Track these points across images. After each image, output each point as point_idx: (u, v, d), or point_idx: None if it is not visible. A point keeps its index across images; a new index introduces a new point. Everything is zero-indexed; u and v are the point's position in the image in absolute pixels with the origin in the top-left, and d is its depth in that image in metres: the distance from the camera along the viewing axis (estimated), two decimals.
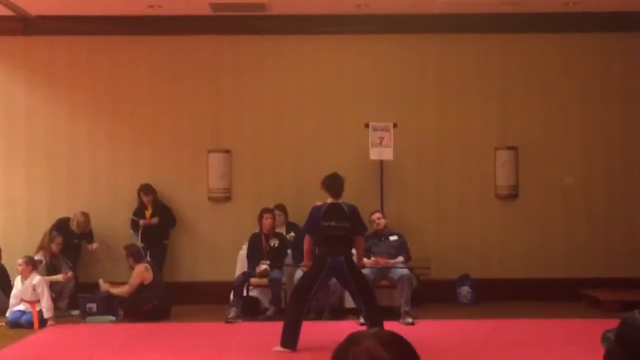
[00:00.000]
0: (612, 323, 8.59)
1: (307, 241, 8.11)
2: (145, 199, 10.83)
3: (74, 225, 10.62)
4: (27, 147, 11.23)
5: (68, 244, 10.55)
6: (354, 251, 8.17)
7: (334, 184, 7.95)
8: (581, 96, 11.25)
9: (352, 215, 7.89)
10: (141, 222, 10.73)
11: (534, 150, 11.20)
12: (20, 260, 9.60)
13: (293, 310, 7.74)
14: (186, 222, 11.19)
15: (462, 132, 11.22)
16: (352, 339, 1.65)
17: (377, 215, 10.22)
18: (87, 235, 10.81)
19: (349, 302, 9.21)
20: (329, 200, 7.94)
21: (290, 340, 7.53)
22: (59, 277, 10.09)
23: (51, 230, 10.49)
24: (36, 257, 9.99)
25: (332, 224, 7.75)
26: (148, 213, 10.82)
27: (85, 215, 10.70)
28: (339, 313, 9.67)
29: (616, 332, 1.57)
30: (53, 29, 11.09)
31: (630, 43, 11.24)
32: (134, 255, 9.99)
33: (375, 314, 7.82)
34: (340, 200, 7.94)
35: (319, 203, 8.28)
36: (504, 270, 11.03)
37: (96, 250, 10.72)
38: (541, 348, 7.84)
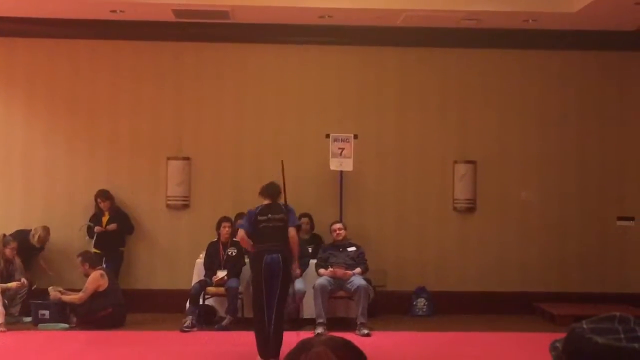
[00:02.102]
0: (552, 340, 8.76)
1: (241, 234, 8.12)
2: (102, 204, 10.71)
3: (34, 240, 10.43)
4: None
5: (25, 251, 10.38)
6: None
7: (269, 188, 8.20)
8: (538, 112, 11.41)
9: (288, 210, 8.07)
10: (96, 228, 10.60)
11: (491, 165, 11.32)
12: None
13: (254, 319, 7.90)
14: (144, 229, 11.09)
15: (421, 144, 11.30)
16: (304, 345, 1.65)
17: (339, 225, 10.23)
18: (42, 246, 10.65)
19: (307, 312, 9.21)
20: (264, 202, 8.13)
21: (260, 350, 7.71)
22: (12, 285, 9.92)
23: (5, 235, 10.29)
24: None
25: (269, 216, 7.90)
26: (105, 219, 10.70)
27: (47, 230, 10.53)
28: (294, 323, 9.63)
29: (564, 342, 1.59)
30: (12, 30, 10.93)
31: (588, 61, 11.43)
32: (90, 261, 9.86)
33: (280, 324, 7.77)
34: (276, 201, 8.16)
35: None
36: (460, 283, 11.12)
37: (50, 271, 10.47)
38: None
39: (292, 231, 8.01)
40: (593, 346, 1.50)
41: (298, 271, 8.70)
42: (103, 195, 10.71)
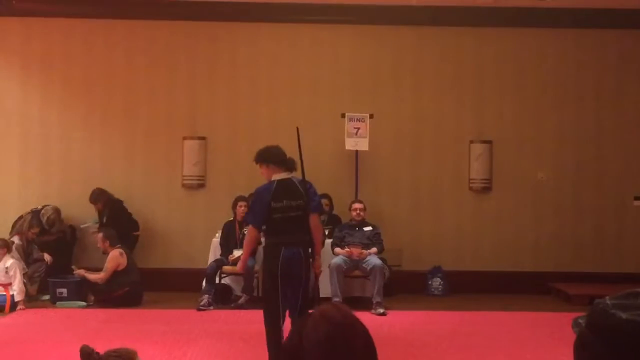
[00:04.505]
0: (575, 317, 8.73)
1: (250, 237, 6.40)
2: (96, 207, 10.60)
3: (43, 219, 10.52)
4: (0, 132, 11.12)
5: (41, 232, 10.51)
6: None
7: (276, 155, 6.31)
8: (555, 91, 11.35)
9: (307, 190, 6.19)
10: (95, 236, 10.37)
11: (507, 145, 11.29)
12: None
13: (267, 333, 6.14)
14: (160, 208, 11.15)
15: (437, 124, 11.28)
16: (319, 308, 1.81)
17: (359, 205, 10.18)
18: (55, 228, 10.71)
19: (323, 291, 9.21)
20: (276, 176, 6.26)
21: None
22: (47, 257, 9.97)
23: (31, 218, 10.38)
24: (14, 240, 9.97)
25: (285, 202, 6.11)
26: (105, 218, 10.58)
27: (57, 211, 10.58)
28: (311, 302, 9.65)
29: (587, 319, 1.60)
30: (28, 10, 10.96)
31: (605, 40, 11.34)
32: (110, 239, 9.91)
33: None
34: (291, 175, 6.33)
35: None
36: (475, 262, 11.13)
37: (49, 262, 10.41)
38: (510, 340, 7.92)
39: (314, 219, 6.21)
40: (617, 322, 1.51)
41: (320, 270, 6.47)
42: (92, 198, 10.57)
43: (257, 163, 6.38)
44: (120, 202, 10.75)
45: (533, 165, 11.32)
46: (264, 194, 6.13)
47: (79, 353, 2.95)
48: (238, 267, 6.66)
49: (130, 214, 10.79)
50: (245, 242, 6.37)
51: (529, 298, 10.43)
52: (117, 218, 10.61)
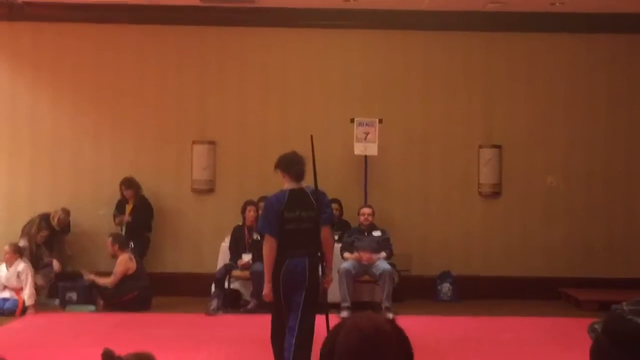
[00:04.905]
0: (590, 322, 8.68)
1: (269, 247, 5.99)
2: (125, 192, 10.72)
3: (54, 221, 10.56)
4: (10, 136, 11.15)
5: (50, 235, 10.54)
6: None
7: (294, 162, 6.10)
8: (565, 96, 11.32)
9: (318, 201, 6.02)
10: (116, 220, 10.62)
11: (517, 149, 11.26)
12: (6, 247, 9.59)
13: (273, 349, 6.10)
14: (169, 213, 11.16)
15: (447, 129, 11.26)
16: (354, 315, 1.82)
17: (367, 210, 10.19)
18: (64, 229, 10.76)
19: (332, 296, 9.19)
20: (288, 186, 6.10)
21: None
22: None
23: (40, 221, 10.42)
24: (20, 244, 10.00)
25: (298, 214, 5.96)
26: (129, 207, 10.71)
27: (66, 212, 10.64)
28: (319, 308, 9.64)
29: (604, 324, 1.60)
30: (38, 15, 11.00)
31: (617, 44, 11.30)
32: (120, 243, 9.95)
33: (304, 352, 5.87)
34: (302, 185, 6.15)
35: None
36: (485, 267, 11.10)
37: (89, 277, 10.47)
38: (520, 345, 7.90)
39: (325, 231, 6.04)
40: (634, 327, 1.50)
41: (329, 285, 6.29)
42: (126, 183, 10.69)
43: (275, 169, 6.24)
44: (147, 199, 10.82)
45: (543, 170, 11.28)
46: (276, 203, 5.99)
47: (100, 357, 2.96)
48: (264, 295, 6.08)
49: (153, 214, 10.85)
50: (265, 255, 6.04)
51: (539, 303, 10.38)
52: (144, 211, 10.70)
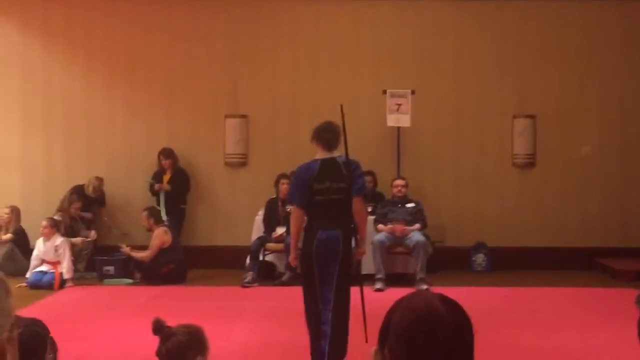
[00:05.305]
0: (627, 292, 8.58)
1: (295, 217, 5.96)
2: (164, 162, 10.85)
3: (89, 190, 10.72)
4: (45, 111, 11.29)
5: (86, 207, 10.71)
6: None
7: (327, 132, 5.90)
8: (599, 64, 11.16)
9: (350, 171, 5.80)
10: (156, 186, 10.79)
11: (551, 119, 11.15)
12: (44, 222, 9.74)
13: (306, 313, 5.88)
14: (203, 186, 11.25)
15: (480, 99, 11.17)
16: (412, 294, 1.81)
17: (401, 182, 10.18)
18: (100, 199, 10.92)
19: (366, 268, 9.21)
20: (320, 155, 5.92)
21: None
22: (77, 240, 10.24)
23: (71, 193, 10.59)
24: (55, 218, 10.15)
25: (327, 184, 5.78)
26: (166, 178, 10.86)
27: (100, 179, 10.83)
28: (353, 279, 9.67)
29: None
30: None
31: None
32: (155, 217, 10.07)
33: (343, 331, 5.73)
34: (335, 155, 5.92)
35: None
36: (519, 238, 11.04)
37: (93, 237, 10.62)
38: (555, 315, 7.87)
39: (357, 202, 5.82)
40: None
41: (361, 256, 6.12)
42: (165, 153, 10.85)
43: (310, 140, 6.04)
44: (184, 170, 10.95)
45: (578, 140, 11.16)
46: (306, 173, 5.84)
47: (151, 326, 3.03)
48: (290, 260, 6.17)
49: (189, 185, 10.96)
50: (291, 225, 6.01)
51: (574, 273, 10.34)
52: (181, 181, 10.84)
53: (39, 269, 9.65)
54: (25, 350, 2.78)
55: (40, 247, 9.73)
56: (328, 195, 5.76)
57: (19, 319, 3.03)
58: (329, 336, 5.63)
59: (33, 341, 2.94)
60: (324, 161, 5.85)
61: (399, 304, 1.76)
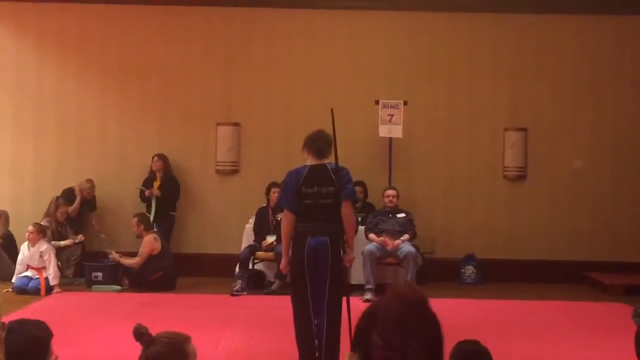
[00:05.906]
0: (616, 306, 8.57)
1: (286, 220, 5.96)
2: (156, 164, 10.80)
3: (78, 192, 10.69)
4: (36, 115, 11.25)
5: (73, 216, 10.68)
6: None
7: (316, 140, 5.97)
8: (592, 79, 11.20)
9: (339, 177, 5.81)
10: (147, 192, 10.76)
11: (543, 132, 11.18)
12: (30, 227, 9.69)
13: (296, 331, 5.88)
14: (194, 194, 11.22)
15: (472, 111, 11.19)
16: (393, 287, 1.97)
17: (392, 192, 10.18)
18: (90, 203, 10.88)
19: (356, 278, 9.20)
20: (309, 162, 5.99)
21: None
22: (67, 242, 10.22)
23: (57, 197, 10.55)
24: (42, 223, 10.09)
25: (316, 189, 5.82)
26: (156, 184, 10.82)
27: (90, 181, 10.80)
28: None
29: None
30: None
31: None
32: (145, 223, 10.03)
33: (334, 338, 5.68)
34: (325, 162, 5.99)
35: None
36: (509, 251, 11.05)
37: (81, 240, 10.59)
38: (545, 329, 7.86)
39: (346, 207, 5.81)
40: None
41: (350, 264, 6.05)
42: (160, 155, 10.85)
43: (302, 149, 6.13)
44: (175, 177, 10.96)
45: (569, 154, 11.19)
46: (294, 178, 5.89)
47: (132, 331, 2.98)
48: (282, 267, 6.13)
49: (179, 192, 10.95)
50: (282, 230, 6.01)
51: (563, 287, 10.34)
52: (171, 188, 10.82)
53: (24, 274, 9.60)
54: (24, 353, 2.77)
55: (25, 252, 9.67)
56: (317, 200, 5.80)
57: (23, 320, 3.03)
58: (321, 346, 5.64)
59: (33, 345, 2.92)
60: (313, 167, 5.91)
61: (380, 300, 1.87)
